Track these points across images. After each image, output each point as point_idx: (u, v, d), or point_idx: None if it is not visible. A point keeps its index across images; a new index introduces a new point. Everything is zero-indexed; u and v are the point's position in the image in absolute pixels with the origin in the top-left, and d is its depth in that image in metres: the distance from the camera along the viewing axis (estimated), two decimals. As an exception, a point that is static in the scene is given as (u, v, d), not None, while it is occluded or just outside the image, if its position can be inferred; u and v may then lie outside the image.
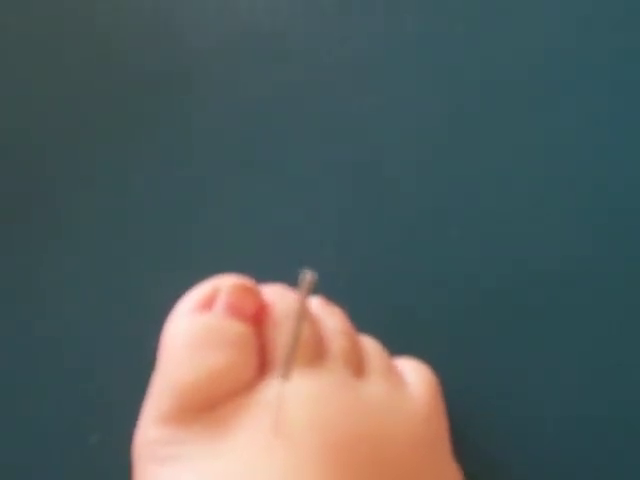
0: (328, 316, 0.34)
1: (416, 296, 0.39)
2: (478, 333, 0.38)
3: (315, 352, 0.33)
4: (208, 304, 0.32)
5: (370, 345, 0.35)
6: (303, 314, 0.31)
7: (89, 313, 0.39)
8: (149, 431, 0.31)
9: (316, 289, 0.32)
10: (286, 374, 0.30)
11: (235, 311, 0.32)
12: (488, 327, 0.38)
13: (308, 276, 0.30)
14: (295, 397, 0.31)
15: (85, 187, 0.41)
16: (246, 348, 0.32)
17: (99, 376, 0.38)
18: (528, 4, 0.42)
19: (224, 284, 0.33)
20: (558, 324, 0.38)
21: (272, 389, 0.31)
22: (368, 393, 0.32)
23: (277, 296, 0.34)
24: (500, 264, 0.39)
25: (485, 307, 0.38)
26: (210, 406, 0.31)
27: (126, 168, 0.41)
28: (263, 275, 0.34)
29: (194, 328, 0.32)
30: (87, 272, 0.40)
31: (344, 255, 0.39)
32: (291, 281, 0.34)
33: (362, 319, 0.36)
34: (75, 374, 0.38)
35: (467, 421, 0.36)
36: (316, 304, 0.35)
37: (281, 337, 0.32)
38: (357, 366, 0.34)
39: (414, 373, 0.35)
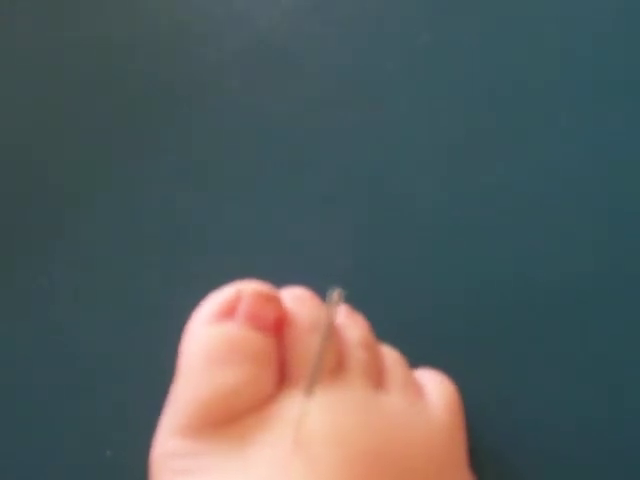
0: (350, 326, 0.34)
1: (432, 308, 0.38)
2: (495, 344, 0.37)
3: (336, 364, 0.32)
4: (228, 312, 0.32)
5: (391, 356, 0.35)
6: (329, 333, 0.31)
7: (106, 328, 0.39)
8: (167, 443, 0.31)
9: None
10: (309, 392, 0.30)
11: (256, 321, 0.32)
12: (506, 339, 0.38)
13: (336, 294, 0.30)
14: (314, 411, 0.30)
15: (100, 201, 0.41)
16: (266, 361, 0.31)
17: (115, 391, 0.38)
18: (544, 17, 0.42)
19: (244, 291, 0.32)
20: (577, 336, 0.37)
21: (293, 405, 0.30)
22: (388, 406, 0.32)
23: (298, 304, 0.33)
24: (518, 277, 0.38)
25: (502, 319, 0.38)
26: (229, 420, 0.30)
27: (142, 181, 0.41)
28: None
29: (214, 339, 0.31)
30: (102, 288, 0.39)
31: (360, 268, 0.39)
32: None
33: (379, 331, 0.35)
34: (91, 389, 0.38)
35: (484, 431, 0.36)
36: (339, 313, 0.35)
37: (302, 350, 0.32)
38: (377, 378, 0.33)
39: (434, 385, 0.35)
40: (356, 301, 0.36)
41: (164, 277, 0.39)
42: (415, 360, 0.36)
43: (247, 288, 0.32)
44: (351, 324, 0.34)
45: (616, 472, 0.35)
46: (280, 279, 0.35)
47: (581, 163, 0.40)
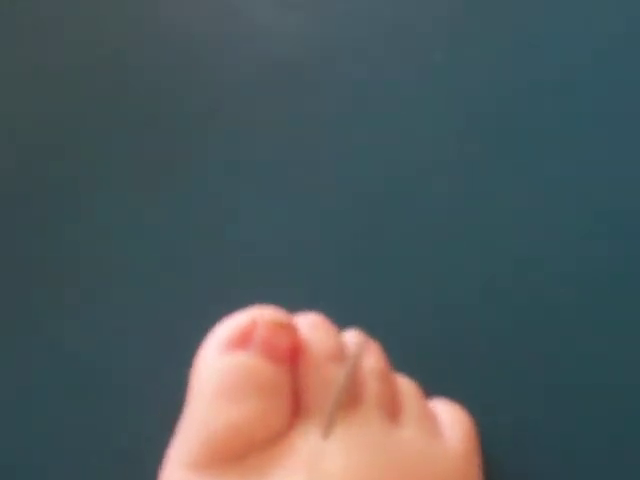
0: (366, 356, 0.33)
1: (448, 332, 0.37)
2: (511, 366, 0.37)
3: (352, 397, 0.31)
4: (242, 341, 0.31)
5: (406, 386, 0.34)
6: (353, 374, 0.30)
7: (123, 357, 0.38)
8: (175, 475, 0.30)
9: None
10: (327, 432, 0.29)
11: (271, 351, 0.30)
12: (522, 360, 0.37)
13: (359, 343, 0.30)
14: (331, 447, 0.29)
15: (103, 205, 0.40)
16: (281, 393, 0.30)
17: (131, 424, 0.37)
18: (557, 37, 0.41)
19: (260, 319, 0.31)
20: (595, 357, 0.36)
21: (307, 440, 0.29)
22: (403, 439, 0.31)
23: (313, 331, 0.32)
24: (534, 294, 0.38)
25: (517, 340, 0.37)
26: (240, 454, 0.29)
27: (157, 200, 0.40)
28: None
29: (227, 370, 0.30)
30: (117, 322, 0.38)
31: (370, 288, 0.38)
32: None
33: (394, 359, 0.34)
34: (107, 422, 0.37)
35: (500, 459, 0.35)
36: (353, 339, 0.34)
37: (318, 380, 0.31)
38: (392, 410, 0.32)
39: (449, 416, 0.34)
40: (368, 326, 0.35)
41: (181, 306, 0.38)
42: (430, 386, 0.35)
43: (263, 316, 0.31)
44: (366, 354, 0.33)
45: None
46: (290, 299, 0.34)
47: (602, 180, 0.39)
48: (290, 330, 0.31)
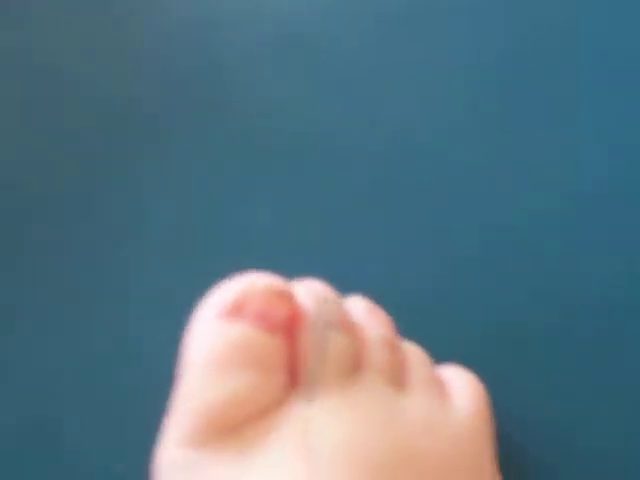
0: (371, 324, 0.31)
1: (464, 310, 0.36)
2: (525, 338, 0.35)
3: (352, 365, 0.30)
4: (236, 310, 0.29)
5: (414, 355, 0.32)
6: (327, 332, 0.29)
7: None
8: (169, 453, 0.29)
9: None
10: (311, 396, 0.28)
11: (267, 320, 0.29)
12: (535, 333, 0.35)
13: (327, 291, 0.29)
14: (326, 416, 0.28)
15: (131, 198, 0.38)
16: (277, 364, 0.29)
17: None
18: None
19: (255, 287, 0.29)
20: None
21: (306, 413, 0.28)
22: (410, 408, 0.30)
23: (312, 300, 0.30)
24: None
25: (530, 316, 0.35)
26: (236, 427, 0.28)
27: (153, 178, 0.38)
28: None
29: (220, 341, 0.29)
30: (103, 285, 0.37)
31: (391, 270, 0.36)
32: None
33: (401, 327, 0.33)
34: (102, 403, 0.35)
35: (511, 430, 0.33)
36: (361, 309, 0.32)
37: (315, 351, 0.29)
38: (399, 379, 0.31)
39: (460, 384, 0.32)
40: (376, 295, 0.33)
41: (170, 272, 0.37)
42: (443, 356, 0.33)
43: (258, 283, 0.29)
44: (372, 321, 0.31)
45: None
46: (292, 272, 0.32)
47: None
48: (286, 298, 0.29)
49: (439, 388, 0.32)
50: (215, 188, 0.38)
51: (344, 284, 0.32)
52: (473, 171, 0.37)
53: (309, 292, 0.31)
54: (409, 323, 0.33)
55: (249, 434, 0.28)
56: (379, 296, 0.33)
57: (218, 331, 0.29)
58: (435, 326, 0.35)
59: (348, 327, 0.30)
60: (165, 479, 0.28)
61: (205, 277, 0.31)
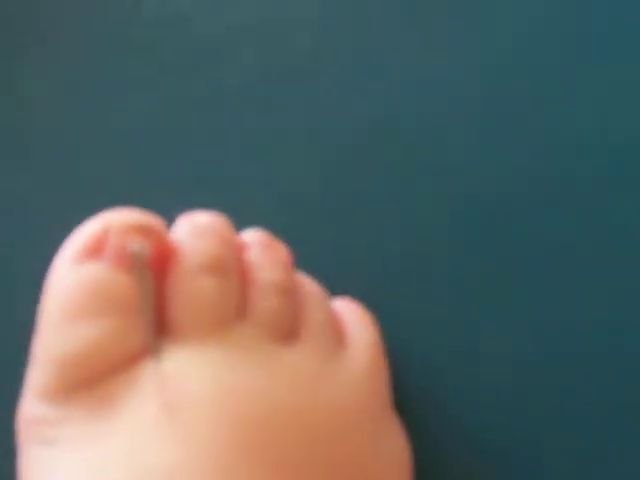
0: (265, 263, 0.28)
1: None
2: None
3: (227, 314, 0.27)
4: (95, 250, 0.26)
5: (311, 296, 0.29)
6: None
7: None
8: (27, 409, 0.26)
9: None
10: (172, 348, 0.25)
11: (127, 260, 0.26)
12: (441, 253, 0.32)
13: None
14: (192, 367, 0.25)
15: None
16: (138, 310, 0.26)
17: None
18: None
19: (113, 223, 0.26)
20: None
21: (167, 367, 0.25)
22: (294, 361, 0.27)
23: (191, 239, 0.27)
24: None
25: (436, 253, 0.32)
26: (93, 381, 0.25)
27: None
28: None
29: (74, 284, 0.26)
30: None
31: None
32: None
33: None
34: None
35: (407, 368, 0.31)
36: (256, 245, 0.29)
37: (186, 294, 0.26)
38: (288, 328, 0.28)
39: (354, 324, 0.30)
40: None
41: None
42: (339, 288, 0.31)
43: (116, 219, 0.26)
44: (265, 261, 0.28)
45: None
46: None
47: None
48: (153, 235, 0.26)
49: (334, 332, 0.29)
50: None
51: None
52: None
53: (193, 227, 0.27)
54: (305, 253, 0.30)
55: (109, 388, 0.25)
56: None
57: (73, 273, 0.26)
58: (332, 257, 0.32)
59: (227, 269, 0.27)
60: (22, 437, 0.26)
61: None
